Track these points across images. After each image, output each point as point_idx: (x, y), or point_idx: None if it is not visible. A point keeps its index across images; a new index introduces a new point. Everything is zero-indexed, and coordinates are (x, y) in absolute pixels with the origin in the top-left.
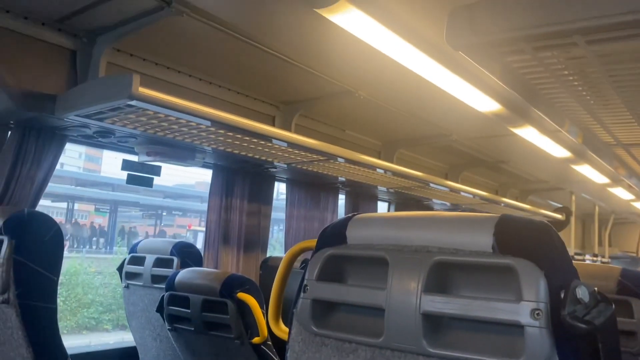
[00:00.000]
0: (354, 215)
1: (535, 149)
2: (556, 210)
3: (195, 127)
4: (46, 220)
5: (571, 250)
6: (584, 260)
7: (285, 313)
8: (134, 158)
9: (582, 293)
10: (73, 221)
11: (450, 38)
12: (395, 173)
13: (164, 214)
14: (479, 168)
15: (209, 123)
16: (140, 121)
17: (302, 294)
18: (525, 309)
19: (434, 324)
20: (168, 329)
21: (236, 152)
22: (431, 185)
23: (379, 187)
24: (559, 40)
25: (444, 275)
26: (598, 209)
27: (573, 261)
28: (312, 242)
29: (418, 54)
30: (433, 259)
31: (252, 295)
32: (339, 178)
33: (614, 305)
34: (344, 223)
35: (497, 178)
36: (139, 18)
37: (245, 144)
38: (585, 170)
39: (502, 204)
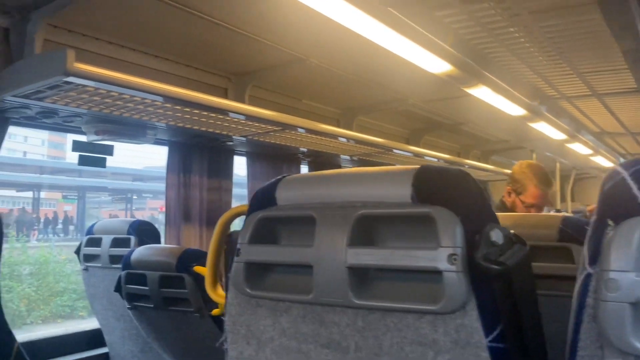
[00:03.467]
0: (284, 177)
1: (491, 108)
2: None
3: (141, 102)
4: None
5: None
6: None
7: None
8: (84, 139)
9: (495, 236)
10: (40, 210)
11: None
12: (356, 140)
13: (135, 197)
14: (439, 131)
15: (155, 97)
16: (82, 99)
17: (235, 258)
18: (443, 254)
19: (360, 276)
20: (128, 308)
21: (189, 126)
22: (394, 151)
23: (342, 156)
24: None
25: (368, 228)
26: (559, 166)
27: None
28: (245, 207)
29: (361, 14)
30: (357, 213)
31: None
32: (300, 148)
33: (528, 246)
34: (274, 185)
35: (458, 140)
36: None
37: (197, 118)
38: (542, 127)
39: (466, 166)
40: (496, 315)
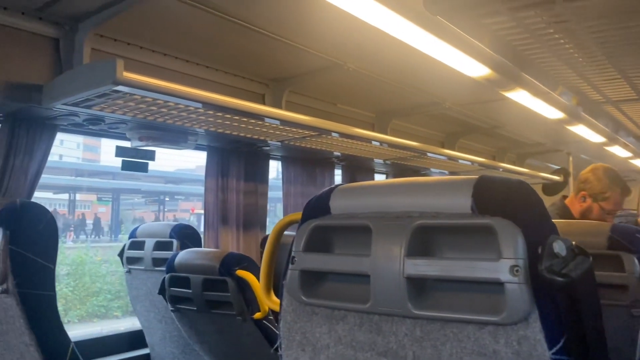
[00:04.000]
0: (337, 186)
1: (529, 112)
2: (554, 172)
3: (184, 109)
4: (39, 210)
5: None
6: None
7: (278, 285)
8: (127, 144)
9: (559, 247)
10: (76, 212)
11: (427, 2)
12: (391, 144)
13: (167, 199)
14: (474, 135)
15: (198, 105)
16: (129, 106)
17: (290, 266)
18: (505, 266)
19: (418, 286)
20: (171, 310)
21: (228, 132)
22: (428, 154)
23: (375, 160)
24: None
25: (426, 239)
26: None
27: (570, 221)
28: (298, 215)
29: (402, 21)
30: (414, 224)
31: (250, 272)
32: (334, 153)
33: (591, 258)
34: (327, 194)
35: (493, 143)
36: (120, 1)
37: (236, 124)
38: (580, 130)
39: (500, 169)
40: (560, 327)
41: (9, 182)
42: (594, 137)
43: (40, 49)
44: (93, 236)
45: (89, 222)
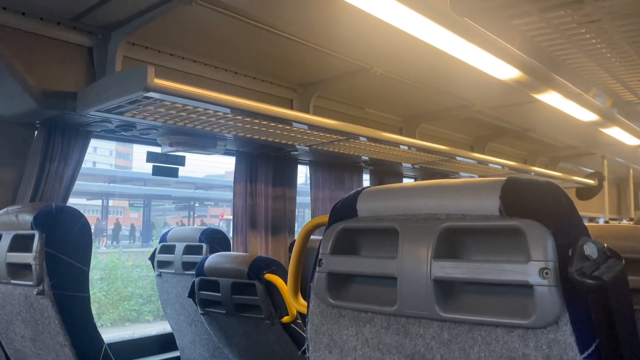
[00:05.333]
0: (364, 188)
1: (561, 114)
2: (588, 175)
3: (213, 115)
4: (73, 213)
5: (606, 215)
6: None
7: (305, 288)
8: (158, 150)
9: (590, 250)
10: (109, 217)
11: (454, 4)
12: (419, 148)
13: (197, 205)
14: (505, 138)
15: (227, 110)
16: (160, 112)
17: (317, 268)
18: (534, 268)
19: (446, 289)
20: (201, 314)
21: (256, 137)
22: (457, 158)
23: (404, 164)
24: None
25: (453, 241)
26: (632, 172)
27: (603, 224)
28: (325, 218)
29: (429, 23)
30: (441, 226)
31: (279, 275)
32: (362, 157)
33: (624, 261)
34: (354, 197)
35: (524, 147)
36: (150, 10)
37: (265, 129)
38: (615, 133)
39: (532, 173)
40: (591, 331)
41: (44, 188)
42: (629, 140)
43: (74, 58)
44: (127, 241)
45: (125, 228)
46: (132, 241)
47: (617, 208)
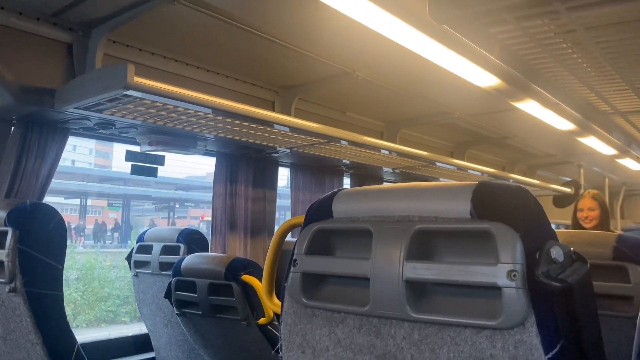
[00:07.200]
0: (340, 190)
1: (539, 122)
2: (565, 184)
3: (194, 114)
4: (48, 211)
5: None
6: None
7: (280, 288)
8: (137, 149)
9: (556, 253)
10: (86, 217)
11: (433, 11)
12: (400, 153)
13: (177, 206)
14: (484, 145)
15: (207, 110)
16: (139, 111)
17: (292, 268)
18: (502, 270)
19: (417, 290)
20: (177, 314)
21: (237, 138)
22: (437, 164)
23: (384, 168)
24: (539, 8)
25: (425, 243)
26: (608, 181)
27: (577, 231)
28: (301, 218)
29: (409, 29)
30: (414, 228)
31: (256, 277)
32: (343, 160)
33: (589, 265)
34: (330, 198)
35: (503, 154)
36: (132, 8)
37: (246, 130)
38: (591, 142)
39: (511, 180)
40: (556, 332)
41: (20, 184)
42: (605, 149)
43: (53, 54)
44: (106, 242)
45: (98, 227)
46: (110, 241)
47: None
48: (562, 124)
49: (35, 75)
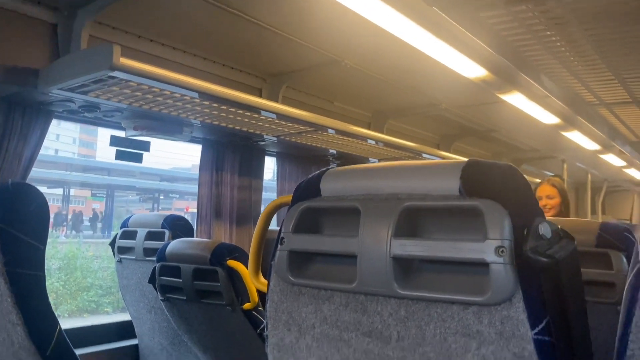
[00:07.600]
0: (328, 169)
1: (524, 116)
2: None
3: (180, 99)
4: (31, 191)
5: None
6: None
7: (266, 269)
8: (122, 134)
9: (544, 229)
10: (69, 207)
11: None
12: (386, 143)
13: (161, 197)
14: (470, 138)
15: (194, 94)
16: (125, 94)
17: (279, 246)
18: (490, 247)
19: (405, 267)
20: (161, 300)
21: (224, 125)
22: (423, 155)
23: (370, 159)
24: None
25: (414, 220)
26: (590, 177)
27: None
28: (288, 198)
29: (400, 17)
30: (402, 205)
31: (241, 262)
32: (330, 150)
33: (575, 241)
34: (318, 177)
35: (489, 147)
36: None
37: (232, 116)
38: (575, 137)
39: None
40: (542, 308)
41: (2, 166)
42: (589, 144)
43: (37, 34)
44: (88, 232)
45: (86, 218)
46: (92, 232)
47: (574, 211)
48: (548, 118)
49: (19, 54)
